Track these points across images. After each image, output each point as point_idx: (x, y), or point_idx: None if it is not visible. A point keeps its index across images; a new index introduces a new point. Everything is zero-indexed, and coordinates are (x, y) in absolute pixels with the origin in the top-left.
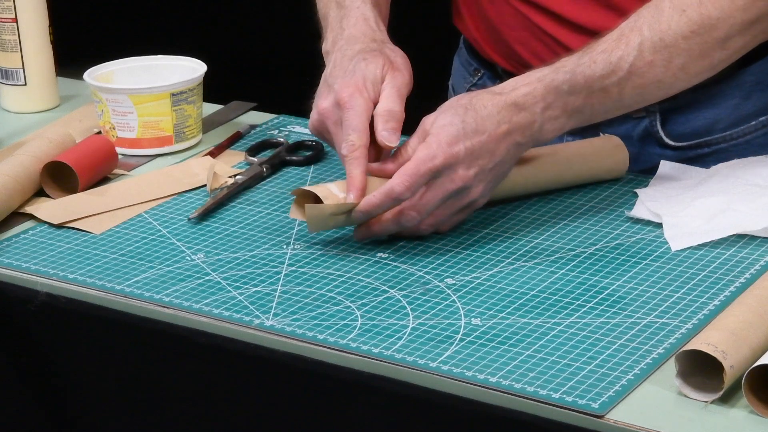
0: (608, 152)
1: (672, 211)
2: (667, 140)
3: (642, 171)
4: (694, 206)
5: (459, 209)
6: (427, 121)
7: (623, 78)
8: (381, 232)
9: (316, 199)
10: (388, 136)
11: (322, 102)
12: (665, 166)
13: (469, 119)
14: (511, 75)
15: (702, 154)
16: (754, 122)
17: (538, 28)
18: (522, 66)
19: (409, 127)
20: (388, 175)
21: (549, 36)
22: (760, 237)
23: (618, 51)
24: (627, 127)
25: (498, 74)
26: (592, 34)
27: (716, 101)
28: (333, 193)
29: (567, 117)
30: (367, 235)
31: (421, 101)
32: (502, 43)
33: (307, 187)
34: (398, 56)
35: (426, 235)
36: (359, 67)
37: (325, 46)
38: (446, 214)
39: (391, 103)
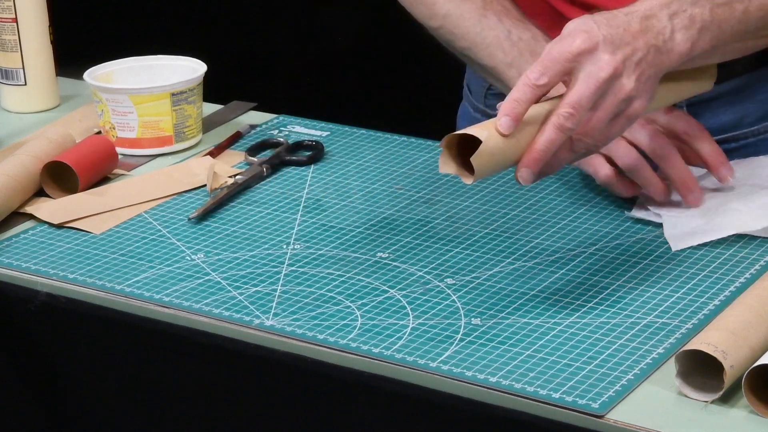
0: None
1: (672, 212)
2: None
3: None
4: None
5: (615, 111)
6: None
7: None
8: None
9: (467, 143)
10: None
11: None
12: None
13: (599, 18)
14: None
15: (729, 149)
16: None
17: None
18: None
19: (418, 125)
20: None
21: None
22: (760, 237)
23: None
24: None
25: None
26: None
27: (745, 95)
28: (487, 128)
29: (696, 31)
30: (534, 162)
31: (436, 100)
32: None
33: (458, 132)
34: None
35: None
36: None
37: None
38: (602, 120)
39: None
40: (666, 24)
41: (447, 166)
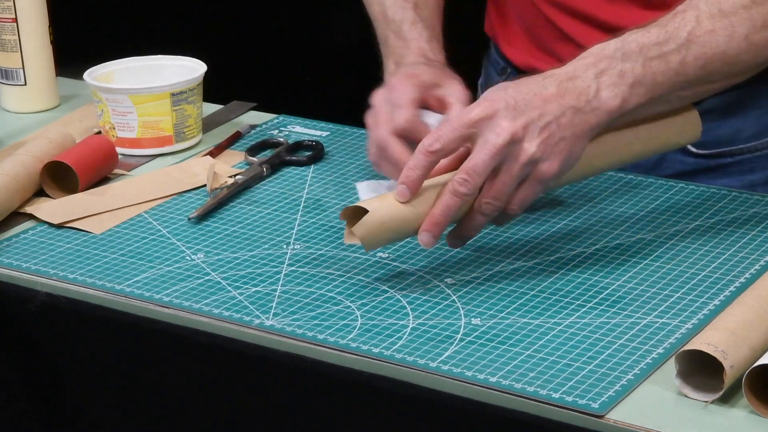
0: (678, 113)
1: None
2: (690, 148)
3: (665, 177)
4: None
5: (519, 174)
6: None
7: (682, 45)
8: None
9: (363, 212)
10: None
11: (375, 96)
12: (362, 186)
13: (510, 85)
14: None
15: (724, 164)
16: None
17: (569, 37)
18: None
19: None
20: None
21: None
22: (760, 237)
23: (674, 23)
24: None
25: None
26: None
27: (738, 110)
28: (380, 199)
29: (627, 86)
30: (433, 226)
31: None
32: (542, 48)
33: (355, 204)
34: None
35: (498, 221)
36: (417, 68)
37: (388, 71)
38: (507, 183)
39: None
40: (590, 83)
41: (350, 238)
